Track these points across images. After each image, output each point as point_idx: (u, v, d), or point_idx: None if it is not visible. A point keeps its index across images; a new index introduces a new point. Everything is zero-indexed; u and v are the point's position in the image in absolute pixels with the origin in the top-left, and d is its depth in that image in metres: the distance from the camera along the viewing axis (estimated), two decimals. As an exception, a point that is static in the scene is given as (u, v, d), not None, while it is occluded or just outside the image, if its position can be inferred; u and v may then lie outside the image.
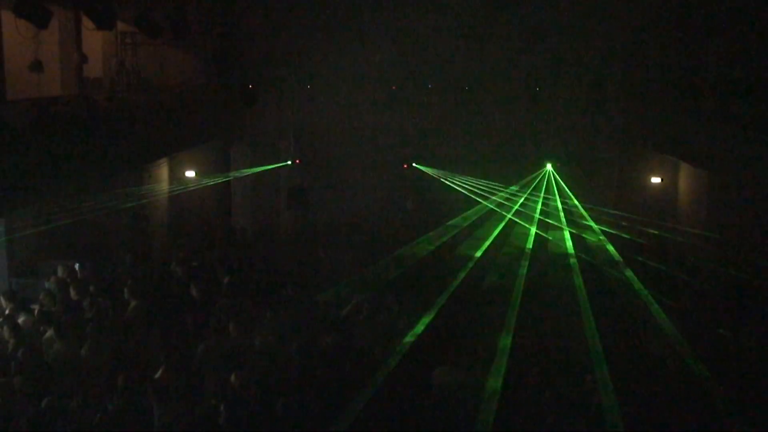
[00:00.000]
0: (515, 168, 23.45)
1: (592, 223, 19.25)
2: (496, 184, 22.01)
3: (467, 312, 12.23)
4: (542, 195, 21.53)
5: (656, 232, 18.47)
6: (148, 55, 20.00)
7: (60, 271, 12.89)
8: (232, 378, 8.63)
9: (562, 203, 20.78)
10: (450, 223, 19.89)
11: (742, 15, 15.84)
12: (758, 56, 16.43)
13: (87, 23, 13.84)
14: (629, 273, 14.89)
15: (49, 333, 10.37)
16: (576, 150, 23.11)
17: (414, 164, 23.80)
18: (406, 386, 9.53)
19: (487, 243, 18.36)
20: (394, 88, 22.60)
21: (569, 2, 19.06)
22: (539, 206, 20.73)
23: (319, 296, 12.70)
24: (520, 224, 19.90)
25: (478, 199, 21.58)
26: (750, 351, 10.53)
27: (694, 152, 17.76)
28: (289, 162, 23.71)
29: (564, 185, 21.65)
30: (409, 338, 10.86)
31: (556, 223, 19.74)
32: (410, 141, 23.95)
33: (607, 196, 22.72)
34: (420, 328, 11.22)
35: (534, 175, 22.70)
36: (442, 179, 22.68)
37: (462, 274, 14.80)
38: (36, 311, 11.35)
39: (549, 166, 22.63)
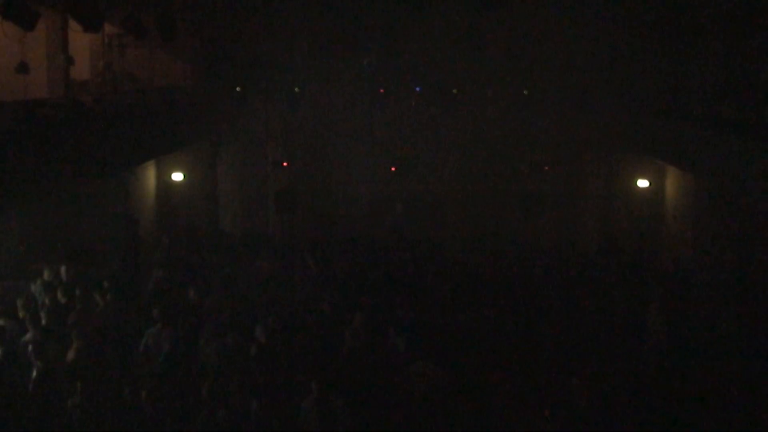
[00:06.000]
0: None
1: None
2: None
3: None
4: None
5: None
6: (135, 57, 19.93)
7: (46, 274, 12.80)
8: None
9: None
10: None
11: (729, 19, 15.93)
12: (744, 60, 16.54)
13: (74, 25, 13.80)
14: None
15: (29, 336, 10.30)
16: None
17: None
18: (384, 380, 9.58)
19: None
20: (382, 90, 22.60)
21: (557, 7, 19.11)
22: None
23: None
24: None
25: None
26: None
27: (681, 156, 17.85)
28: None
29: None
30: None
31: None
32: (399, 144, 23.96)
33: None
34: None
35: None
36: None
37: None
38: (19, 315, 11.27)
39: None
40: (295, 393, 8.93)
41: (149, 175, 21.29)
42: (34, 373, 9.29)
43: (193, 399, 8.89)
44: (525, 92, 22.61)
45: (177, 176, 21.97)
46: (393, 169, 23.77)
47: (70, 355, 10.01)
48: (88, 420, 8.40)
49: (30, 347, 9.84)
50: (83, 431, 8.35)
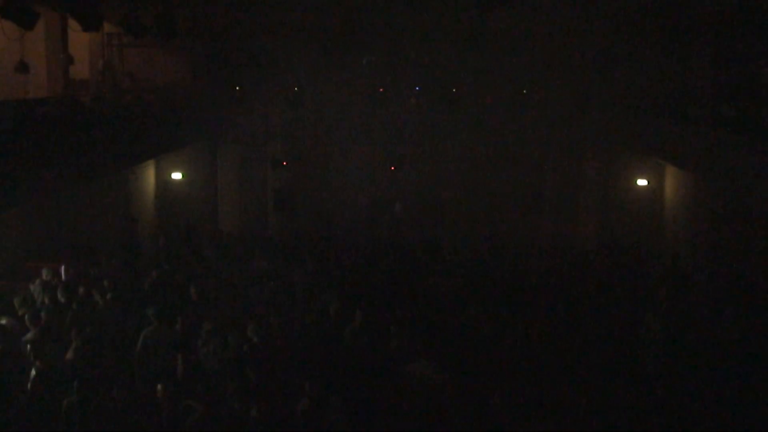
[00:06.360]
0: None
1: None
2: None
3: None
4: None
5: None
6: (134, 56, 19.94)
7: (45, 274, 12.80)
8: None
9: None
10: None
11: (728, 19, 15.94)
12: (744, 60, 16.55)
13: (73, 24, 13.80)
14: None
15: (30, 335, 10.30)
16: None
17: None
18: (380, 380, 9.58)
19: None
20: (382, 90, 22.60)
21: (556, 7, 19.11)
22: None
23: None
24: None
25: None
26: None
27: (680, 155, 17.86)
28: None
29: None
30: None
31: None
32: (399, 143, 23.95)
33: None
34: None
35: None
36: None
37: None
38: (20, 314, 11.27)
39: None
40: (291, 393, 8.93)
41: (149, 174, 21.30)
42: (33, 373, 9.29)
43: (191, 398, 8.90)
44: (524, 91, 22.62)
45: (176, 175, 21.97)
46: (392, 168, 23.76)
47: (69, 354, 10.01)
48: (83, 420, 8.40)
49: (28, 347, 9.84)
50: (79, 431, 8.35)
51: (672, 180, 20.93)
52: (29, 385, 9.21)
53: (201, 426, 8.30)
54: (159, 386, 8.67)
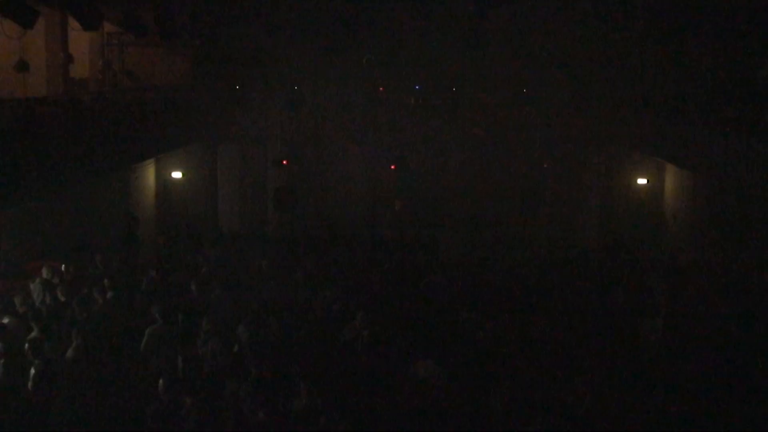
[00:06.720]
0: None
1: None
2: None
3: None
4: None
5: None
6: (134, 55, 19.96)
7: (45, 273, 12.79)
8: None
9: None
10: None
11: (728, 18, 15.94)
12: (744, 58, 16.55)
13: (73, 23, 13.81)
14: None
15: (34, 334, 10.29)
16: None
17: None
18: (386, 378, 9.57)
19: None
20: (382, 89, 22.59)
21: (555, 6, 19.13)
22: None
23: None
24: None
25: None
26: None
27: (679, 154, 17.87)
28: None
29: None
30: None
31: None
32: (399, 142, 23.95)
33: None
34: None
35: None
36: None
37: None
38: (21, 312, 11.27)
39: None
40: (291, 393, 8.92)
41: (149, 173, 21.30)
42: (32, 372, 9.29)
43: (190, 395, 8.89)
44: (524, 91, 22.62)
45: (176, 175, 21.98)
46: (392, 167, 23.75)
47: (70, 353, 10.00)
48: (72, 420, 8.40)
49: (26, 345, 9.83)
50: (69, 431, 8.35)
51: (672, 180, 20.93)
52: (29, 385, 9.21)
53: (194, 420, 8.28)
54: (160, 381, 8.66)
